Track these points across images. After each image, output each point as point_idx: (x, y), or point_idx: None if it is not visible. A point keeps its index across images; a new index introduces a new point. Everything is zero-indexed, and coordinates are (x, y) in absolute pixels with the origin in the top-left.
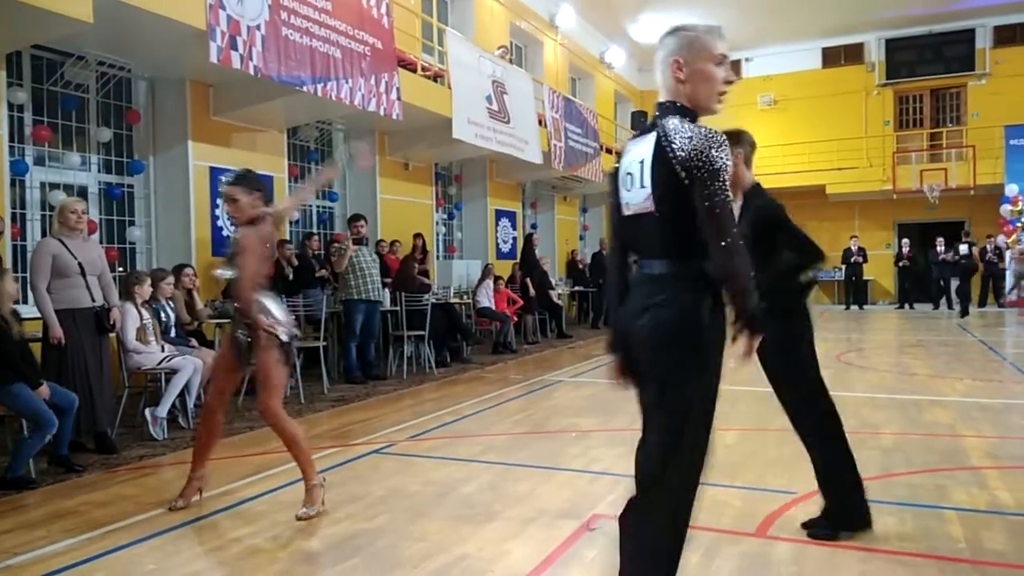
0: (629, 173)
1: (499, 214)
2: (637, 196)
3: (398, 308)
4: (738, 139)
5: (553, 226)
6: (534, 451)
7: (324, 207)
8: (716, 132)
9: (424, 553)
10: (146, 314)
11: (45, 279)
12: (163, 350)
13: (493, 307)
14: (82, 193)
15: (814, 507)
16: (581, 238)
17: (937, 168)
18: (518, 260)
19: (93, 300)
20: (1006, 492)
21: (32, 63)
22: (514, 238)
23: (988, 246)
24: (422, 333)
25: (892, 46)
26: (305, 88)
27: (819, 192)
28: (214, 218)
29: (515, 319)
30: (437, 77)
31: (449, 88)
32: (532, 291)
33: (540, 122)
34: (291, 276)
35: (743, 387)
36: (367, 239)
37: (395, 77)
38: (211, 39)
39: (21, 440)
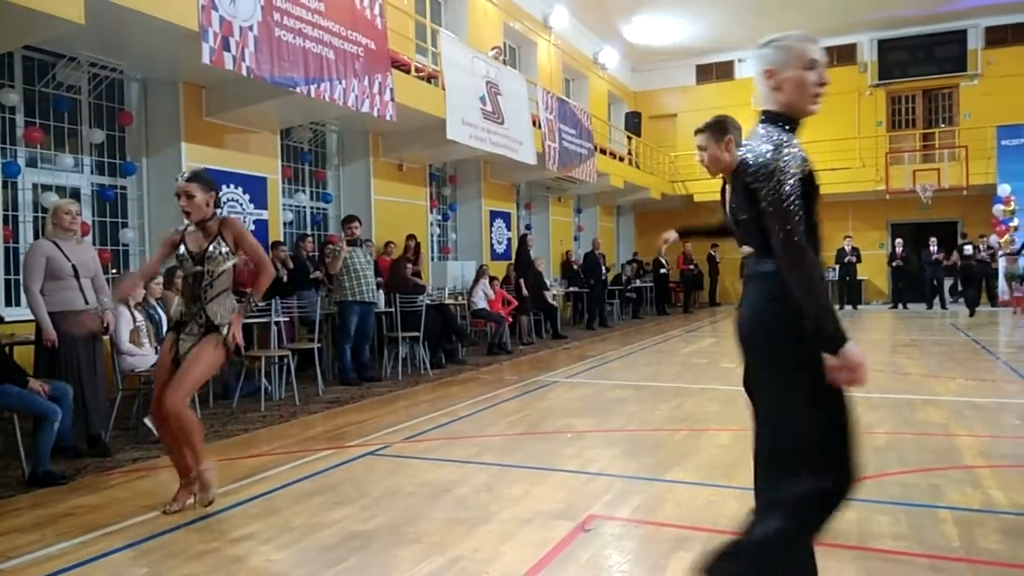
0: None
1: (493, 215)
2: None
3: (393, 309)
4: (724, 126)
5: (548, 227)
6: (529, 452)
7: (318, 208)
8: (779, 135)
9: (420, 555)
10: (139, 316)
11: (38, 281)
12: (156, 352)
13: (488, 308)
14: (74, 195)
15: None
16: (575, 239)
17: (930, 168)
18: (513, 261)
19: (87, 302)
20: (999, 491)
21: (24, 64)
22: (508, 239)
23: (981, 246)
24: (417, 334)
25: (884, 47)
26: (298, 89)
27: None
28: None
29: (510, 320)
30: (431, 78)
31: (443, 89)
32: (526, 292)
33: (534, 123)
34: (285, 278)
35: (739, 387)
36: (361, 240)
37: (388, 78)
38: (203, 40)
39: (38, 436)
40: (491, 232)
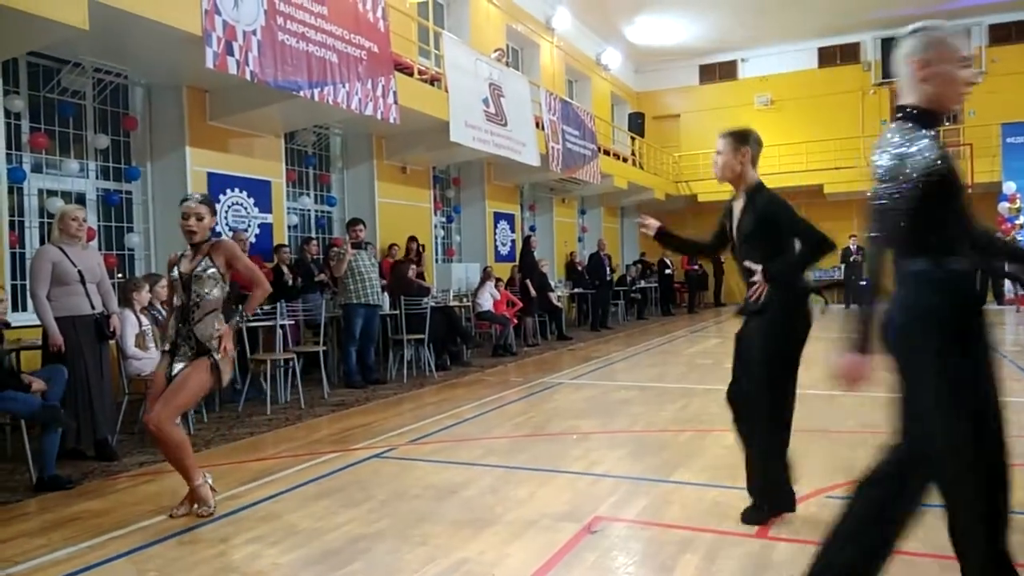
0: None
1: (497, 216)
2: None
3: (398, 312)
4: (746, 138)
5: (552, 228)
6: (535, 454)
7: (322, 211)
8: (910, 138)
9: (425, 557)
10: (145, 320)
11: (45, 287)
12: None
13: (493, 310)
14: (80, 200)
15: (815, 508)
16: (580, 240)
17: None
18: (517, 262)
19: (93, 307)
20: None
21: (28, 70)
22: (513, 240)
23: None
24: (422, 337)
25: (888, 45)
26: (302, 93)
27: (817, 192)
28: None
29: (515, 321)
30: (434, 81)
31: (446, 91)
32: (532, 293)
33: (537, 124)
34: (290, 281)
35: None
36: (366, 243)
37: (392, 81)
38: (207, 45)
39: (43, 441)
40: (495, 234)
